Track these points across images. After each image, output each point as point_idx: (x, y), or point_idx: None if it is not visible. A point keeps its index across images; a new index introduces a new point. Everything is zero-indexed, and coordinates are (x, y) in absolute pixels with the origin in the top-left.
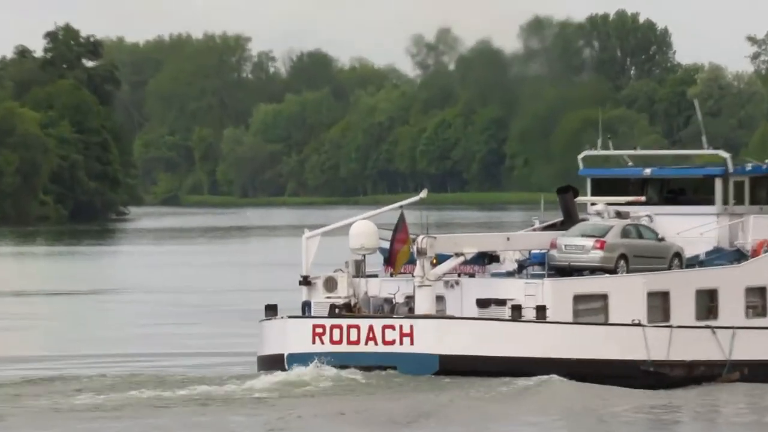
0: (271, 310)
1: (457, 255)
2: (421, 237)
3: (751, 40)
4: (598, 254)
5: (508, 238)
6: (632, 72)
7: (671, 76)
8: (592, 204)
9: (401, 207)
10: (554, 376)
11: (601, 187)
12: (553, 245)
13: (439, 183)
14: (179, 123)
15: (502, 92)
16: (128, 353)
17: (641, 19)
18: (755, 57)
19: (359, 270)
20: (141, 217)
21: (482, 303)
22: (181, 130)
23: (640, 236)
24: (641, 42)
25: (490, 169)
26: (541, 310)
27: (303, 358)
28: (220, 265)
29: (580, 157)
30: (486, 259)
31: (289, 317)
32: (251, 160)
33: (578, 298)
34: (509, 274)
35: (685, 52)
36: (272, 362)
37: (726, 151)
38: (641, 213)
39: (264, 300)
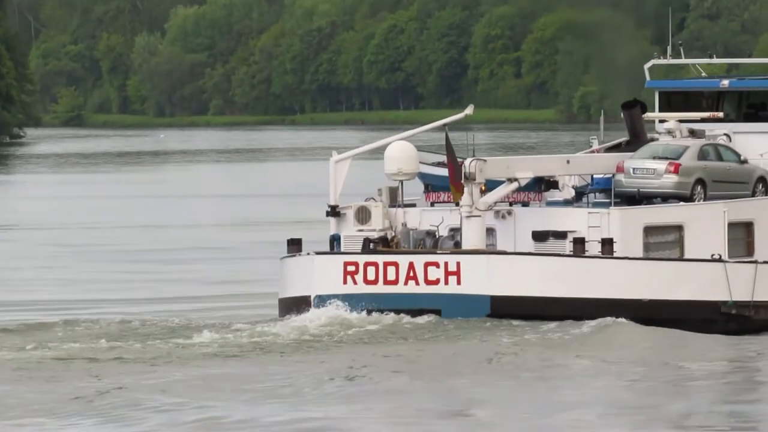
0: (295, 245)
1: (510, 181)
2: (469, 160)
3: None
4: (672, 179)
5: (568, 161)
6: None
7: None
8: (662, 121)
9: (445, 126)
10: (622, 320)
11: (672, 102)
12: (620, 169)
13: (390, 99)
14: (83, 30)
15: None
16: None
17: None
18: None
19: (395, 199)
20: (39, 140)
21: (539, 236)
22: (85, 38)
23: (720, 158)
24: None
25: (450, 83)
26: (607, 244)
27: (332, 300)
28: (129, 198)
29: (646, 66)
30: (543, 185)
31: (317, 253)
32: (168, 73)
33: (649, 230)
34: (568, 203)
35: None
36: (297, 305)
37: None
38: (718, 131)
39: (173, 241)
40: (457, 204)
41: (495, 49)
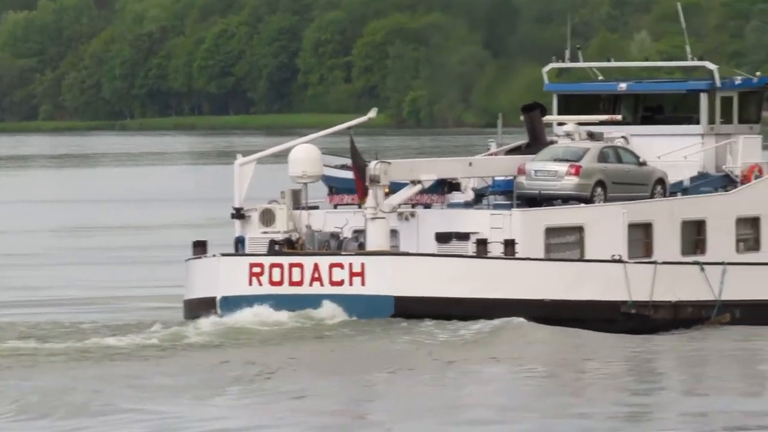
0: (200, 247)
1: (414, 183)
2: (374, 163)
3: None
4: (573, 181)
5: (470, 164)
6: None
7: None
8: (561, 124)
9: (350, 129)
10: (522, 319)
11: (570, 105)
12: (521, 171)
13: (220, 104)
14: None
15: None
16: None
17: None
18: None
19: (298, 201)
20: None
21: (442, 237)
22: None
23: (620, 160)
24: None
25: (280, 88)
26: (509, 245)
27: (238, 302)
28: None
29: (545, 70)
30: (445, 187)
31: (222, 255)
32: None
33: (551, 231)
34: (469, 205)
35: None
36: (201, 306)
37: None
38: (616, 134)
39: (23, 246)
40: (361, 204)
41: (325, 54)
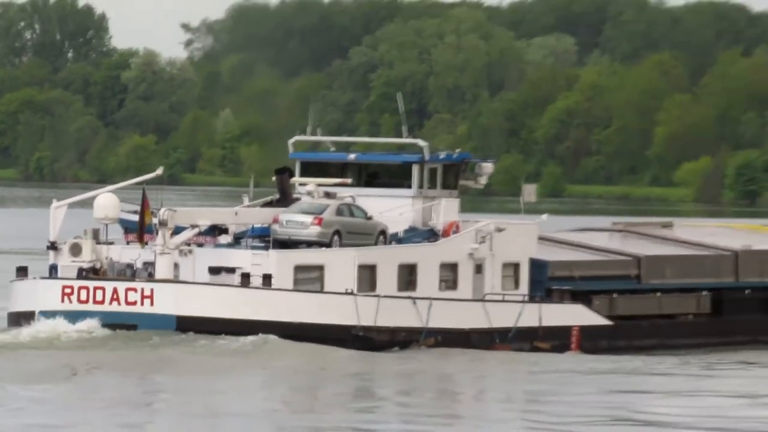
0: (22, 272)
1: (193, 227)
2: (163, 210)
3: (185, 27)
4: (316, 230)
5: (236, 213)
6: (70, 55)
7: (107, 60)
8: (303, 184)
9: (143, 183)
10: (275, 336)
11: (309, 170)
12: (276, 220)
13: None
14: None
15: None
16: None
17: (80, 4)
18: (188, 44)
19: (98, 238)
20: None
21: (214, 270)
22: None
23: (352, 215)
24: (79, 26)
25: None
26: (266, 278)
27: (52, 315)
28: None
29: (290, 141)
30: (216, 231)
31: (41, 278)
32: None
33: (299, 269)
34: (231, 245)
35: (121, 37)
36: (23, 318)
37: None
38: (346, 194)
39: None
40: (143, 247)
41: None
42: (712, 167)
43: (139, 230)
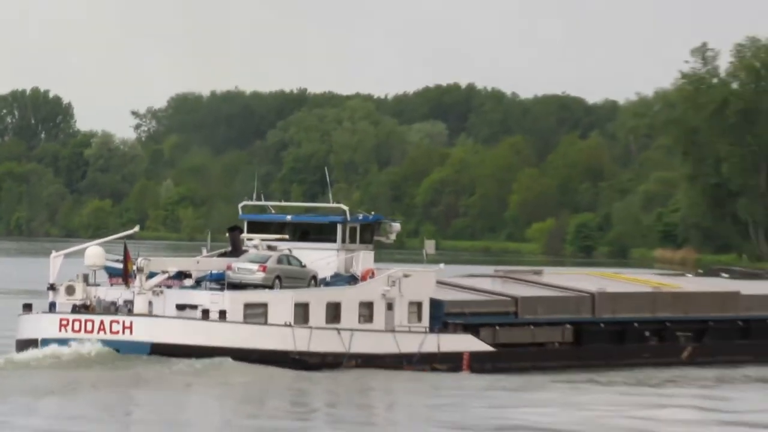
0: (27, 308)
1: (164, 272)
2: (140, 258)
3: (135, 113)
4: (261, 275)
5: (198, 261)
6: (43, 135)
7: (72, 140)
8: (250, 239)
9: (124, 238)
10: (229, 359)
11: (254, 228)
12: (229, 267)
13: None
14: None
15: None
16: None
17: (51, 95)
18: (137, 127)
19: (87, 281)
20: None
21: (180, 307)
22: None
23: (289, 263)
24: (50, 113)
25: None
26: (222, 313)
27: (51, 341)
28: None
29: (240, 205)
30: (182, 276)
31: (43, 312)
32: None
33: (248, 306)
34: (193, 287)
35: (84, 121)
36: (29, 344)
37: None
38: (284, 247)
39: None
40: (128, 287)
41: None
42: (555, 226)
43: (124, 275)
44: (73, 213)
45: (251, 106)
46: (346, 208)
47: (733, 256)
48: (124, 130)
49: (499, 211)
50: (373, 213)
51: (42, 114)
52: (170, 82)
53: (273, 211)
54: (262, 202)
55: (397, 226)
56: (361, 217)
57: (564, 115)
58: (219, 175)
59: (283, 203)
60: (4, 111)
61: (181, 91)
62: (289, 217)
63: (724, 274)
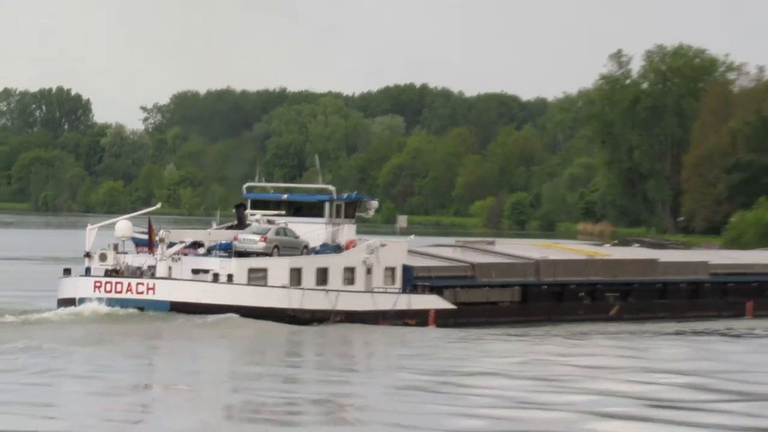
0: (67, 272)
1: (181, 242)
2: (162, 231)
3: (143, 108)
4: (262, 245)
5: (209, 233)
6: (66, 126)
7: (91, 130)
8: (253, 214)
9: (148, 214)
10: (236, 315)
11: (257, 205)
12: (236, 238)
13: None
14: None
15: None
16: None
17: (73, 93)
18: (145, 120)
19: (117, 249)
20: None
21: (195, 271)
22: None
23: (286, 235)
24: (72, 108)
25: None
26: (230, 277)
27: (88, 300)
28: None
29: (245, 186)
30: (196, 245)
31: (80, 276)
32: None
33: (251, 270)
34: (205, 255)
35: (100, 114)
36: (69, 302)
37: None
38: (281, 221)
39: None
40: (152, 255)
41: None
42: (494, 204)
43: (150, 244)
44: (90, 192)
45: (240, 102)
46: (333, 188)
47: (642, 229)
48: (134, 123)
49: (447, 190)
50: (355, 192)
51: (65, 109)
52: (173, 82)
53: (272, 191)
54: (264, 184)
55: (375, 203)
56: (345, 196)
57: (502, 110)
58: (213, 160)
59: (281, 184)
60: (33, 106)
61: (182, 90)
62: (285, 196)
63: (635, 244)
